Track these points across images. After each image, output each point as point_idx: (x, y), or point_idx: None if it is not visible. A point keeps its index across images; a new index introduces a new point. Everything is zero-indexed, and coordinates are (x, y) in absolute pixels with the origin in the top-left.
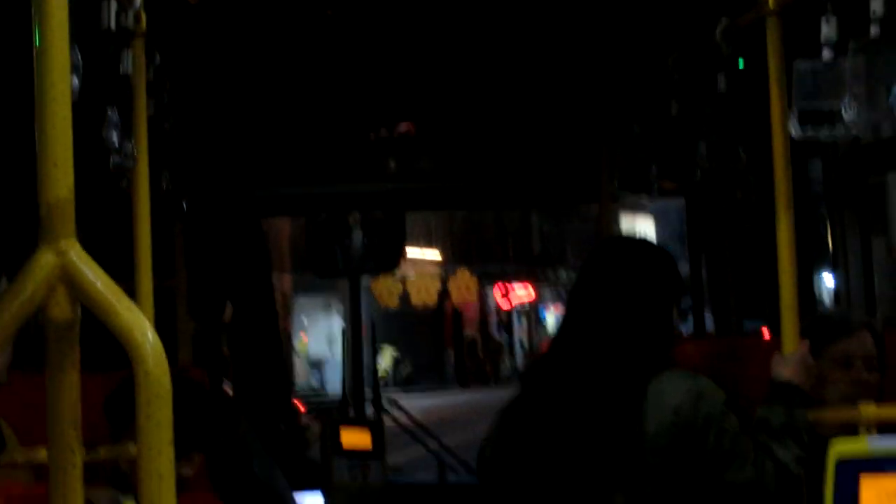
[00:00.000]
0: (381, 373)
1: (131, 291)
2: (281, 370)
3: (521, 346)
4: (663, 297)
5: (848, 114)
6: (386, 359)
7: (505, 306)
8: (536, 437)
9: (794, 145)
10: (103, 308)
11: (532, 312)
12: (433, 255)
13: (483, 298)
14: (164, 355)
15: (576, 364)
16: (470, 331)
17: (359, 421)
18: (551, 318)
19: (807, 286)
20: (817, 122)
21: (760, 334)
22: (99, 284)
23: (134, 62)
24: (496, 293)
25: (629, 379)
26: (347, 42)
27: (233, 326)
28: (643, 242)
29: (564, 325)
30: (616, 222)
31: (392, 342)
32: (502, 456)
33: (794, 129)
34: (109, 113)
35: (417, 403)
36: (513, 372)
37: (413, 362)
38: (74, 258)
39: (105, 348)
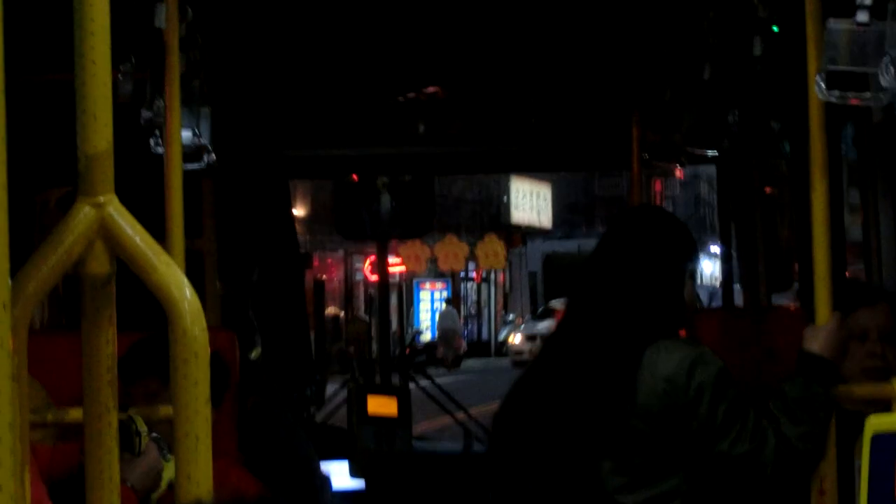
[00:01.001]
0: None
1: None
2: (306, 336)
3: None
4: (673, 266)
5: (885, 78)
6: None
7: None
8: (537, 405)
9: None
10: (141, 264)
11: (406, 288)
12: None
13: (350, 271)
14: (201, 313)
15: (582, 332)
16: (333, 308)
17: (385, 388)
18: (426, 295)
19: (839, 257)
20: (847, 86)
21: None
22: (138, 240)
23: (167, 17)
24: (365, 264)
25: (626, 346)
26: (379, 3)
27: (259, 289)
28: (659, 212)
29: (577, 292)
30: (644, 188)
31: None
32: (506, 423)
33: (820, 91)
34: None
35: None
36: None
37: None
38: (113, 212)
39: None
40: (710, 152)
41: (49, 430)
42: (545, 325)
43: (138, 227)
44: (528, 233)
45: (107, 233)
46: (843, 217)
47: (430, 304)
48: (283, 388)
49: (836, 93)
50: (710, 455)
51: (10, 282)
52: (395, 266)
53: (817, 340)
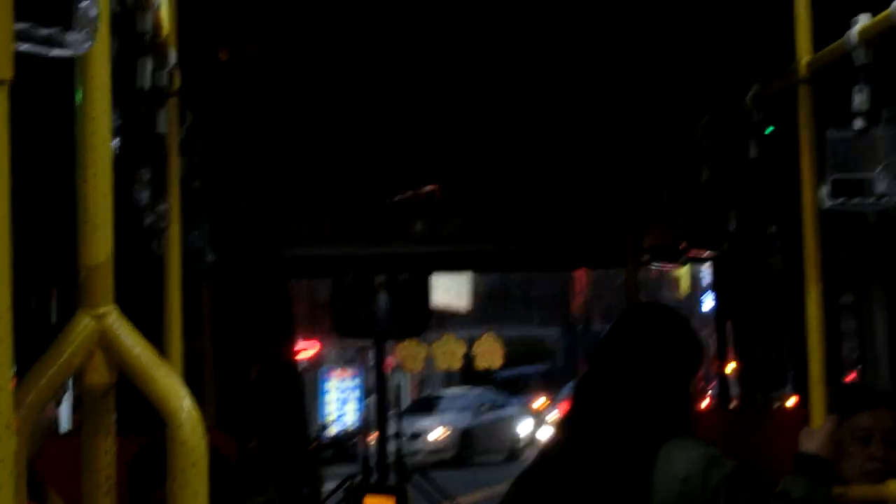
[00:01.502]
0: None
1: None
2: (304, 434)
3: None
4: (681, 365)
5: (880, 184)
6: None
7: None
8: (545, 498)
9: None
10: (140, 375)
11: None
12: None
13: None
14: (200, 423)
15: (590, 429)
16: None
17: (383, 488)
18: (334, 384)
19: (835, 356)
20: (849, 192)
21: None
22: (137, 351)
23: (168, 121)
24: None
25: (639, 445)
26: (375, 104)
27: (257, 389)
28: (665, 310)
29: (582, 387)
30: (638, 287)
31: None
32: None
33: (826, 200)
34: (142, 173)
35: None
36: None
37: None
38: (113, 324)
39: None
40: (709, 253)
41: None
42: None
43: (138, 337)
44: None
45: (107, 344)
46: (839, 320)
47: (338, 394)
48: (281, 488)
49: (841, 200)
50: None
51: (12, 396)
52: (304, 351)
53: (815, 441)
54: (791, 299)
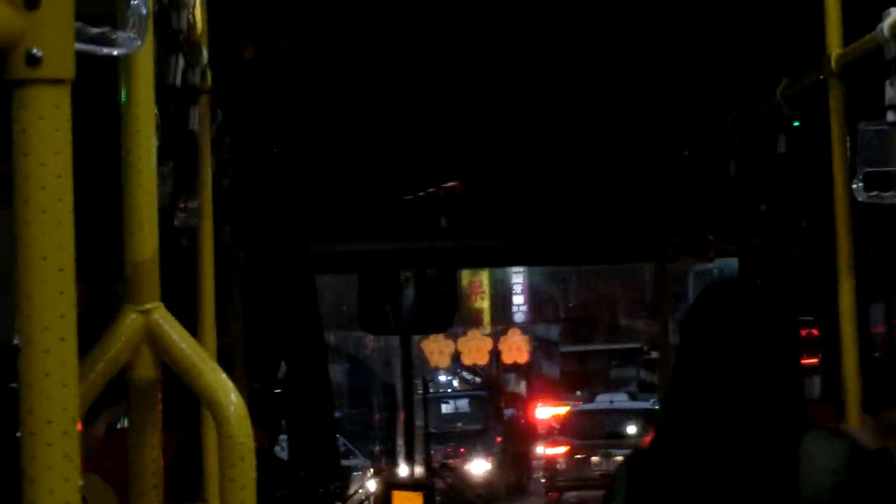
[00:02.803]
0: None
1: None
2: (332, 431)
3: None
4: (794, 347)
5: None
6: None
7: None
8: (676, 497)
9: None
10: (188, 369)
11: None
12: None
13: None
14: (247, 417)
15: (716, 424)
16: None
17: (410, 484)
18: None
19: (866, 350)
20: (882, 186)
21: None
22: (184, 346)
23: (200, 119)
24: None
25: (778, 436)
26: (400, 100)
27: (286, 386)
28: (755, 288)
29: (683, 379)
30: (668, 282)
31: None
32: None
33: (859, 193)
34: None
35: None
36: None
37: None
38: (159, 319)
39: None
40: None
41: None
42: None
43: (184, 332)
44: None
45: (153, 339)
46: (868, 314)
47: None
48: (310, 484)
49: (875, 193)
50: None
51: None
52: None
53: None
54: (821, 294)
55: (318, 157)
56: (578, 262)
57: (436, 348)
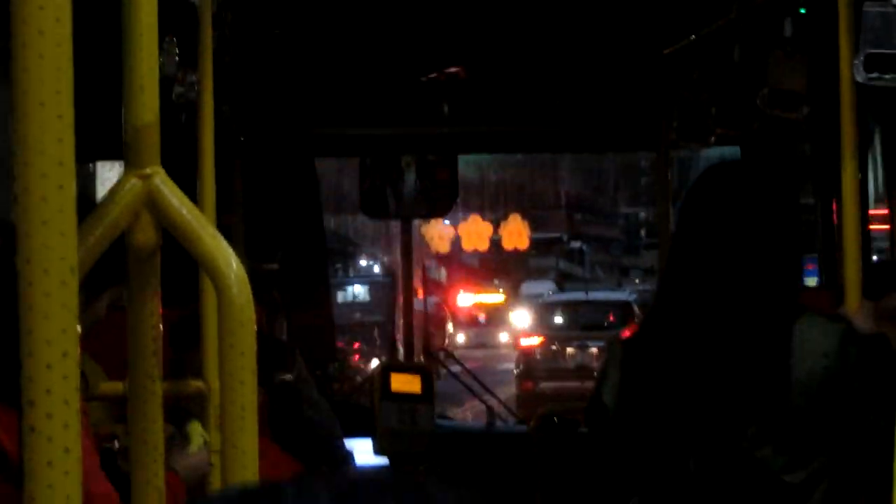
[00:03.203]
0: None
1: None
2: (329, 315)
3: None
4: (795, 228)
5: None
6: None
7: None
8: (670, 377)
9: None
10: (188, 235)
11: None
12: None
13: None
14: (248, 284)
15: (709, 306)
16: None
17: (408, 366)
18: None
19: (866, 242)
20: (884, 67)
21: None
22: (184, 211)
23: None
24: None
25: (773, 319)
26: None
27: (285, 267)
28: (756, 169)
29: (680, 261)
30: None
31: None
32: (630, 398)
33: (860, 74)
34: (173, 42)
35: None
36: None
37: None
38: (160, 184)
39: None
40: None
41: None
42: None
43: (184, 198)
44: None
45: (153, 204)
46: (868, 204)
47: None
48: (308, 365)
49: (875, 74)
50: (863, 429)
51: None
52: None
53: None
54: (823, 181)
55: (321, 40)
56: (581, 150)
57: (436, 234)
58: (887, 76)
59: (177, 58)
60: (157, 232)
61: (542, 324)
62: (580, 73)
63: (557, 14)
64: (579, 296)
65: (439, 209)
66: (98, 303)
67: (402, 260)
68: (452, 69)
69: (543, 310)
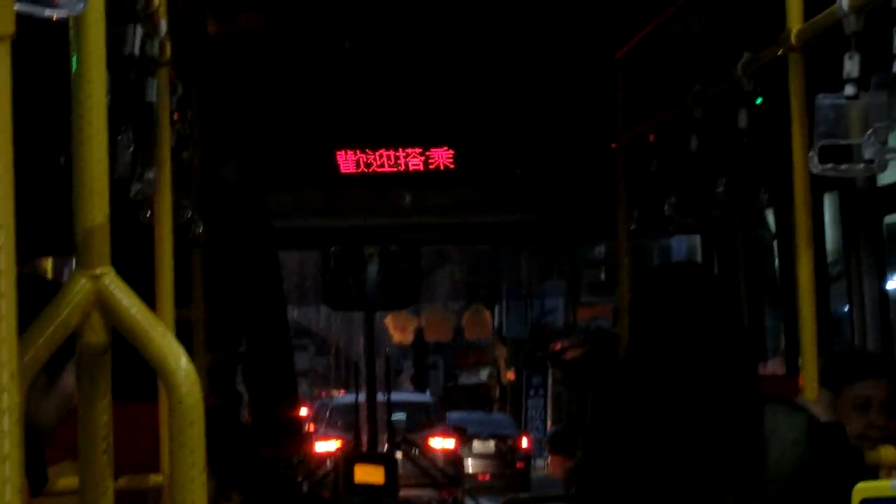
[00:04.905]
0: None
1: None
2: (295, 406)
3: None
4: (739, 319)
5: (868, 150)
6: None
7: None
8: (647, 449)
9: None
10: (138, 334)
11: None
12: None
13: None
14: (198, 384)
15: (677, 401)
16: None
17: (372, 457)
18: None
19: (825, 323)
20: (838, 158)
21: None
22: (134, 311)
23: (159, 90)
24: None
25: (745, 410)
26: (364, 76)
27: (248, 359)
28: (708, 269)
29: (649, 350)
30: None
31: None
32: (609, 469)
33: (814, 165)
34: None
35: None
36: None
37: None
38: (109, 284)
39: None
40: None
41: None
42: None
43: (135, 298)
44: None
45: (103, 304)
46: (829, 288)
47: None
48: (272, 456)
49: (830, 165)
50: None
51: (16, 350)
52: None
53: (817, 410)
54: (782, 269)
55: (281, 132)
56: (540, 243)
57: (399, 324)
58: (842, 167)
59: (130, 156)
60: (107, 332)
61: None
62: (540, 168)
63: (518, 106)
64: None
65: (402, 300)
66: (64, 378)
67: (366, 350)
68: (414, 161)
69: None
